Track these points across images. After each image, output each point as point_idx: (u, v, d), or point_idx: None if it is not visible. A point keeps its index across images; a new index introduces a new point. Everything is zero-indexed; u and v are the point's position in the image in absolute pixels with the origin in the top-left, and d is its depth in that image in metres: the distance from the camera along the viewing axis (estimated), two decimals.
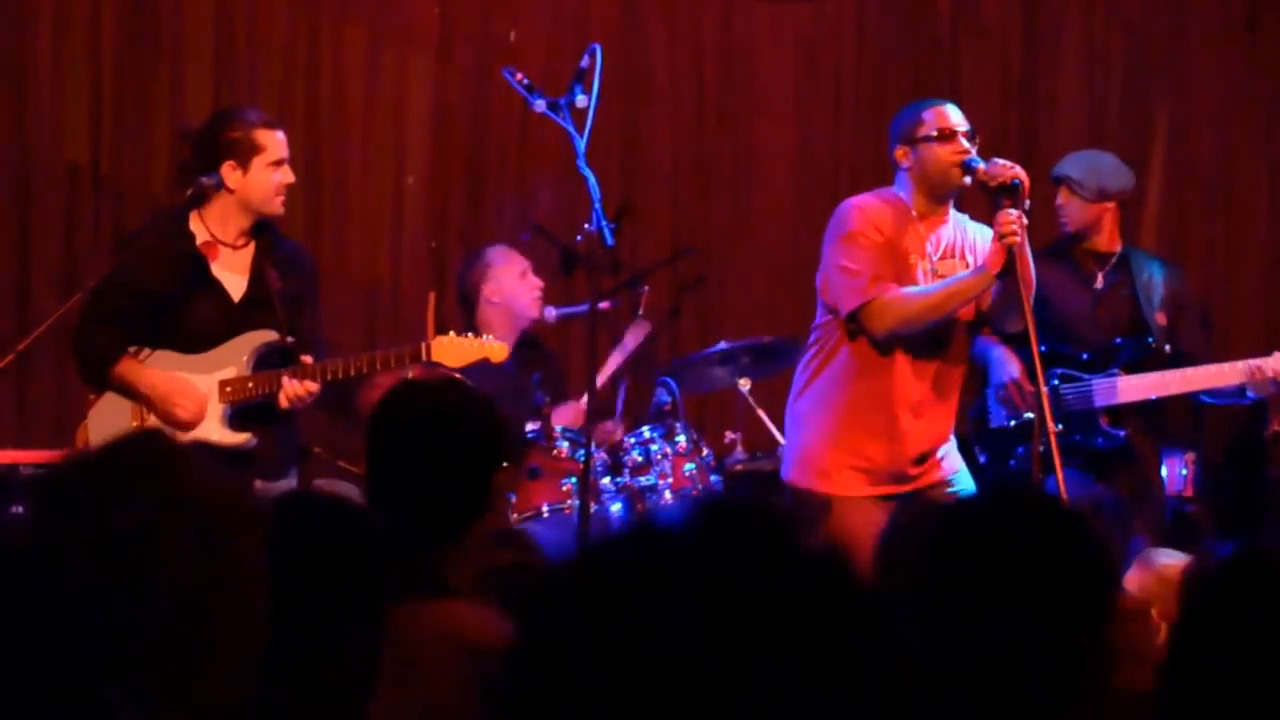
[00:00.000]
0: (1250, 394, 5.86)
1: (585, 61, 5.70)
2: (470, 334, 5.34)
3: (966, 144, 5.37)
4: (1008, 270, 5.19)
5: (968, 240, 5.50)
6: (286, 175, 5.31)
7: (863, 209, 5.42)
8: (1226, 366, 5.82)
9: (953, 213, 5.54)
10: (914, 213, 5.43)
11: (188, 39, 7.01)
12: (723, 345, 6.48)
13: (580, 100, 5.68)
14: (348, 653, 2.48)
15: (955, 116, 5.45)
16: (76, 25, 6.93)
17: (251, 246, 5.32)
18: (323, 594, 2.47)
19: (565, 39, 7.11)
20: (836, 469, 5.41)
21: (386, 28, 7.17)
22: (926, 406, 5.39)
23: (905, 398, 5.37)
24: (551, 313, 6.64)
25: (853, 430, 5.37)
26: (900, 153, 5.46)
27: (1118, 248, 6.14)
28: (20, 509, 5.95)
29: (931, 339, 5.38)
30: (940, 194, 5.45)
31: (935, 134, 5.40)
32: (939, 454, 5.43)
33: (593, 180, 5.59)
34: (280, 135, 5.33)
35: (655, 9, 7.41)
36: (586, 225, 5.65)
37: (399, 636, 2.72)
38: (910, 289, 5.30)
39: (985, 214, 5.46)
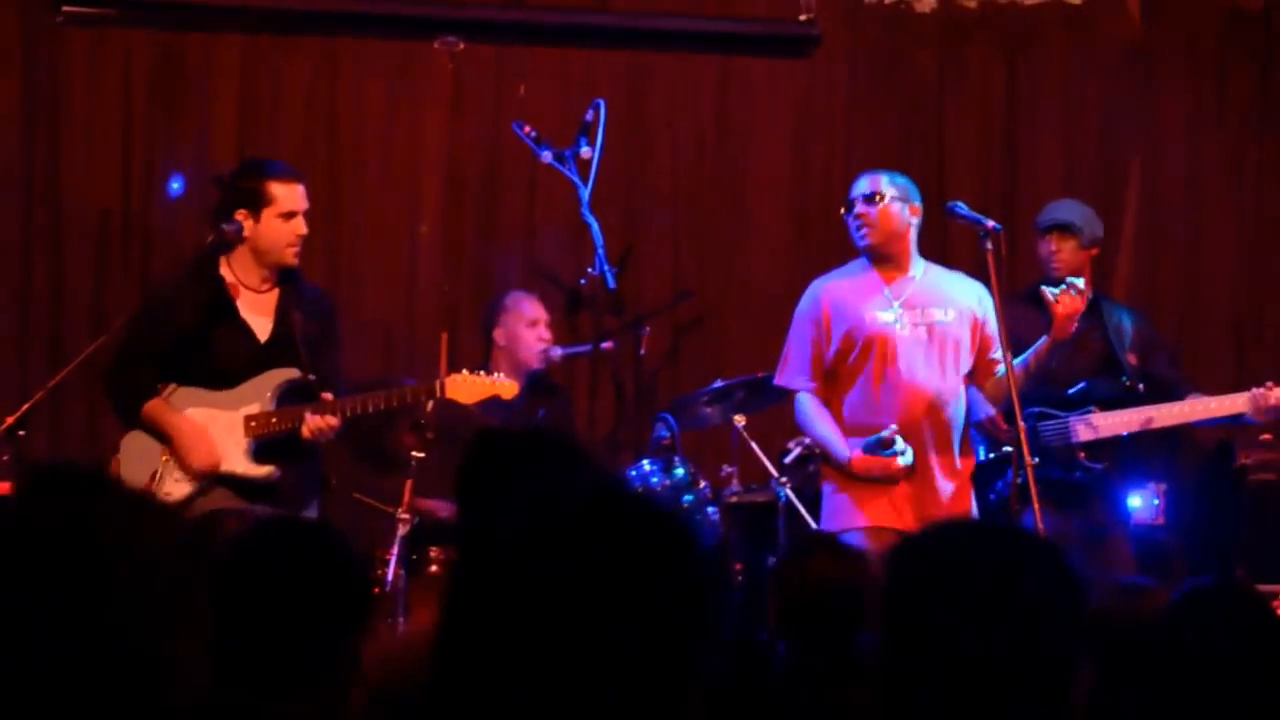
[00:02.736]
0: (1247, 419, 6.07)
1: (590, 115, 5.96)
2: (482, 372, 5.51)
3: (863, 207, 5.78)
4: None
5: (939, 294, 5.84)
6: (299, 227, 5.43)
7: (813, 293, 5.89)
8: (1214, 401, 6.02)
9: (922, 268, 5.89)
10: (876, 272, 5.83)
11: (214, 92, 7.22)
12: (718, 383, 6.62)
13: (585, 152, 5.94)
14: (322, 659, 2.68)
15: (859, 186, 5.84)
16: (108, 79, 7.17)
17: (276, 291, 5.50)
18: (299, 609, 2.68)
19: (572, 94, 7.24)
20: (835, 504, 5.82)
21: (403, 83, 7.34)
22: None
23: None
24: (556, 352, 6.80)
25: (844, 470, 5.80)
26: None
27: (1089, 294, 6.38)
28: None
29: (902, 390, 5.74)
30: (870, 255, 5.84)
31: (843, 206, 5.87)
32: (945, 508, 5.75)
33: (596, 227, 5.85)
34: (296, 188, 5.44)
35: (657, 65, 7.60)
36: (590, 269, 5.93)
37: None
38: (806, 411, 5.82)
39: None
